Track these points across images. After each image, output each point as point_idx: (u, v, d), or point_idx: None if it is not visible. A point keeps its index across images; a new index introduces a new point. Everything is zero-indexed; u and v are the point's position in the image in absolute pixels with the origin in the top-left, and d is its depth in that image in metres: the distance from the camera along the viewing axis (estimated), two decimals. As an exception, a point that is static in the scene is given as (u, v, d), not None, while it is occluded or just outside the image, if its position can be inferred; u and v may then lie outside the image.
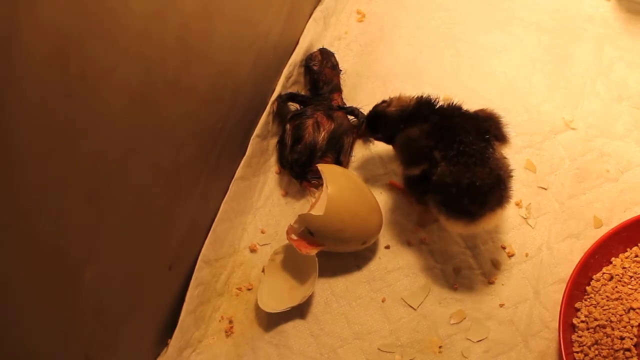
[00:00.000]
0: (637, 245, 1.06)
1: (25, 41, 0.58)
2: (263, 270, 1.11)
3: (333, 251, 1.09)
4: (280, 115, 1.22)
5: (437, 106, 1.05)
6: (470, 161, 0.97)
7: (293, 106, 1.24)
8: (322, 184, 1.07)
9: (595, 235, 1.08)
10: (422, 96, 1.07)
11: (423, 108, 1.05)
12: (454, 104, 1.05)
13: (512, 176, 1.00)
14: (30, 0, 0.57)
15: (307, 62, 1.25)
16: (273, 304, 1.05)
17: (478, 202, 0.96)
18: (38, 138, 0.63)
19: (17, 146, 0.61)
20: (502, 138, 1.02)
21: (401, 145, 1.06)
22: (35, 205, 0.65)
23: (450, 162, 0.97)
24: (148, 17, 0.78)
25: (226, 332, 1.07)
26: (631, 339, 0.97)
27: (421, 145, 1.01)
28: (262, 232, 1.15)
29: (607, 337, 0.98)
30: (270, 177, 1.21)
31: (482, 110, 1.05)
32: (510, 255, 1.10)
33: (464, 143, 0.97)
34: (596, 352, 0.98)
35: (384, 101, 1.10)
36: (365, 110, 1.21)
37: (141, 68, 0.79)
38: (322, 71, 1.23)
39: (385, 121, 1.08)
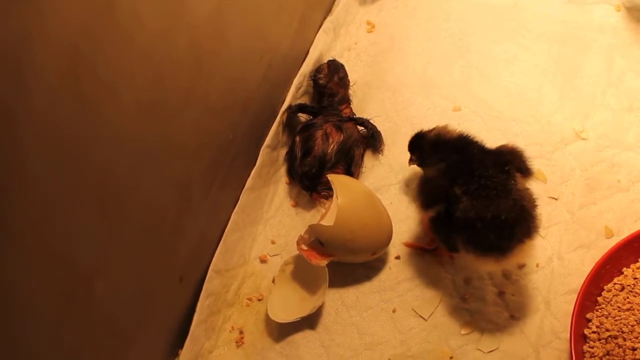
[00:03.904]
0: (649, 256, 1.06)
1: (38, 57, 0.59)
2: (273, 281, 1.11)
3: (343, 262, 1.09)
4: (290, 126, 1.23)
5: (462, 145, 1.05)
6: (492, 193, 0.95)
7: (303, 117, 1.24)
8: (332, 195, 1.07)
9: (607, 245, 1.07)
10: (463, 134, 1.06)
11: (460, 143, 1.05)
12: (475, 140, 1.05)
13: (536, 206, 0.98)
14: (40, 16, 0.58)
15: (314, 75, 1.26)
16: (283, 315, 1.05)
17: (505, 236, 0.95)
18: (48, 150, 0.64)
19: (29, 159, 0.61)
20: (526, 171, 1.02)
21: (419, 186, 1.06)
22: (45, 217, 0.66)
23: (472, 196, 0.96)
24: (159, 33, 0.79)
25: (237, 342, 1.07)
26: (643, 349, 0.96)
27: (437, 185, 1.01)
28: (273, 242, 1.16)
29: (619, 348, 0.97)
30: (280, 187, 1.21)
31: (503, 146, 1.05)
32: (521, 266, 1.10)
33: (484, 177, 0.97)
34: (608, 363, 0.98)
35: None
36: (376, 121, 1.21)
37: (152, 82, 0.80)
38: (327, 84, 1.23)
39: (420, 142, 1.09)
